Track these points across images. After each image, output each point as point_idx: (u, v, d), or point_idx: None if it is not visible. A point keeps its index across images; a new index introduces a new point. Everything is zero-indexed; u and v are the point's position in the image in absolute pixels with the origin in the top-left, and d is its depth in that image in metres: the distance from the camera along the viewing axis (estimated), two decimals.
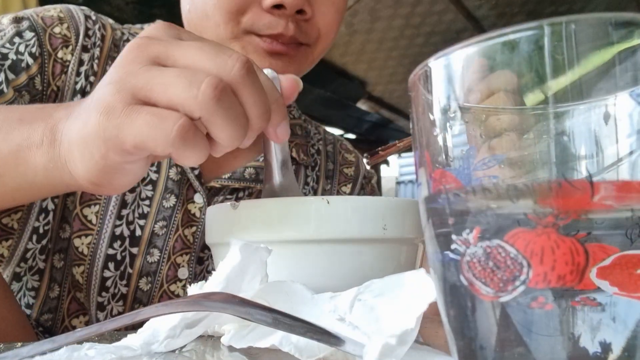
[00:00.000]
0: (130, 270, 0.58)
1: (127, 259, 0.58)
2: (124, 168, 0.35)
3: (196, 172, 0.61)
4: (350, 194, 0.76)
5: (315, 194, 0.72)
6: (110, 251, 0.57)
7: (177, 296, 0.60)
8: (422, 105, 0.21)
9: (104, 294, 0.57)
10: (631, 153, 0.17)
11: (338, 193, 0.75)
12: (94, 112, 0.33)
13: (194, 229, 0.61)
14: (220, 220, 0.42)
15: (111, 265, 0.57)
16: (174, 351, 0.31)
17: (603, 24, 0.17)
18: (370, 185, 0.80)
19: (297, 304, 0.32)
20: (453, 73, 0.20)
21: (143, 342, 0.30)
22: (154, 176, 0.60)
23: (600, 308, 0.17)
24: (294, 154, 0.70)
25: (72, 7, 0.61)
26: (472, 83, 0.20)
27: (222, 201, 0.62)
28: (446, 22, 2.70)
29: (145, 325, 0.31)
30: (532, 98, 0.19)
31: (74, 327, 0.58)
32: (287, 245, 0.38)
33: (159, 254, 0.59)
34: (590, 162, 0.18)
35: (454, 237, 0.19)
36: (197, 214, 0.61)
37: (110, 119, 0.32)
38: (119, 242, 0.58)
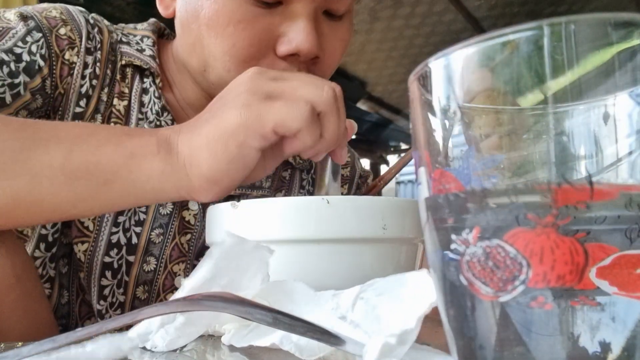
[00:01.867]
0: (127, 279, 0.57)
1: (124, 267, 0.57)
2: (246, 160, 0.40)
3: None
4: (347, 194, 0.75)
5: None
6: (107, 259, 0.56)
7: None
8: (422, 106, 0.21)
9: (102, 302, 0.57)
10: (630, 153, 0.17)
11: None
12: (231, 111, 0.40)
13: (188, 236, 0.60)
14: (221, 220, 0.42)
15: (108, 274, 0.57)
16: (174, 351, 0.31)
17: (602, 24, 0.17)
18: (366, 185, 0.79)
19: (299, 303, 0.32)
20: (453, 73, 0.20)
21: (142, 331, 0.30)
22: None
23: (600, 308, 0.17)
24: (290, 158, 0.70)
25: (71, 8, 0.59)
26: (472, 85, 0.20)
27: None
28: (446, 22, 2.70)
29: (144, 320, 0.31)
30: (532, 98, 0.19)
31: None
32: (287, 246, 0.38)
33: (156, 263, 0.59)
34: (589, 162, 0.18)
35: (453, 236, 0.19)
36: (192, 221, 0.61)
37: (251, 109, 0.39)
38: (115, 250, 0.57)
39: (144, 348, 0.31)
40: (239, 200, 0.41)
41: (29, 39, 0.53)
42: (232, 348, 0.32)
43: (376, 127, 4.61)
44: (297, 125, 0.39)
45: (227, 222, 0.41)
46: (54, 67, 0.54)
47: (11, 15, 0.54)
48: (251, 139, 0.39)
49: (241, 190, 0.64)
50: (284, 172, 0.70)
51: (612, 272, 0.17)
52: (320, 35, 0.54)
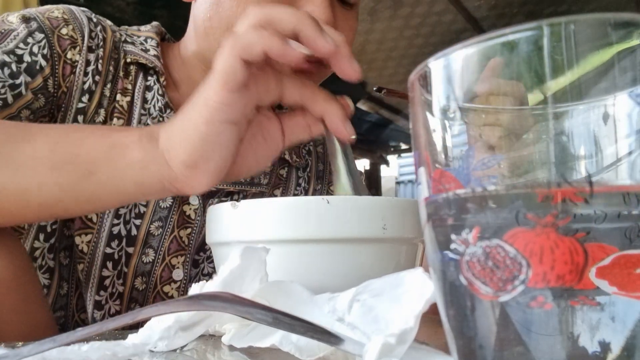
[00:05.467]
0: (126, 270, 0.59)
1: (124, 258, 0.59)
2: (219, 138, 0.38)
3: None
4: None
5: (306, 194, 0.74)
6: (108, 250, 0.58)
7: (171, 297, 0.60)
8: (422, 106, 0.21)
9: (102, 292, 0.58)
10: (630, 153, 0.17)
11: (328, 193, 0.77)
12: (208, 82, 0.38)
13: (188, 230, 0.62)
14: (221, 220, 0.42)
15: (109, 265, 0.58)
16: (175, 350, 0.31)
17: (602, 24, 0.18)
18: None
19: (297, 304, 0.32)
20: (452, 73, 0.20)
21: (139, 341, 0.30)
22: None
23: (600, 308, 0.17)
24: (287, 157, 0.71)
25: (73, 8, 0.61)
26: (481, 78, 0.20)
27: (217, 203, 0.62)
28: (446, 22, 2.70)
29: (146, 325, 0.31)
30: (532, 98, 0.19)
31: (83, 321, 0.59)
32: (287, 245, 0.38)
33: (154, 254, 0.60)
34: (589, 162, 0.18)
35: (453, 236, 0.19)
36: (192, 216, 0.62)
37: (223, 64, 0.37)
38: (116, 242, 0.58)
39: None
40: (238, 199, 0.41)
41: (30, 40, 0.54)
42: (232, 348, 0.32)
43: (376, 127, 4.61)
44: (269, 42, 0.37)
45: (227, 222, 0.41)
46: (57, 67, 0.56)
47: (13, 18, 0.56)
48: (216, 112, 0.38)
49: (239, 187, 0.65)
50: (281, 170, 0.72)
51: (611, 272, 0.17)
52: (334, 18, 0.54)
